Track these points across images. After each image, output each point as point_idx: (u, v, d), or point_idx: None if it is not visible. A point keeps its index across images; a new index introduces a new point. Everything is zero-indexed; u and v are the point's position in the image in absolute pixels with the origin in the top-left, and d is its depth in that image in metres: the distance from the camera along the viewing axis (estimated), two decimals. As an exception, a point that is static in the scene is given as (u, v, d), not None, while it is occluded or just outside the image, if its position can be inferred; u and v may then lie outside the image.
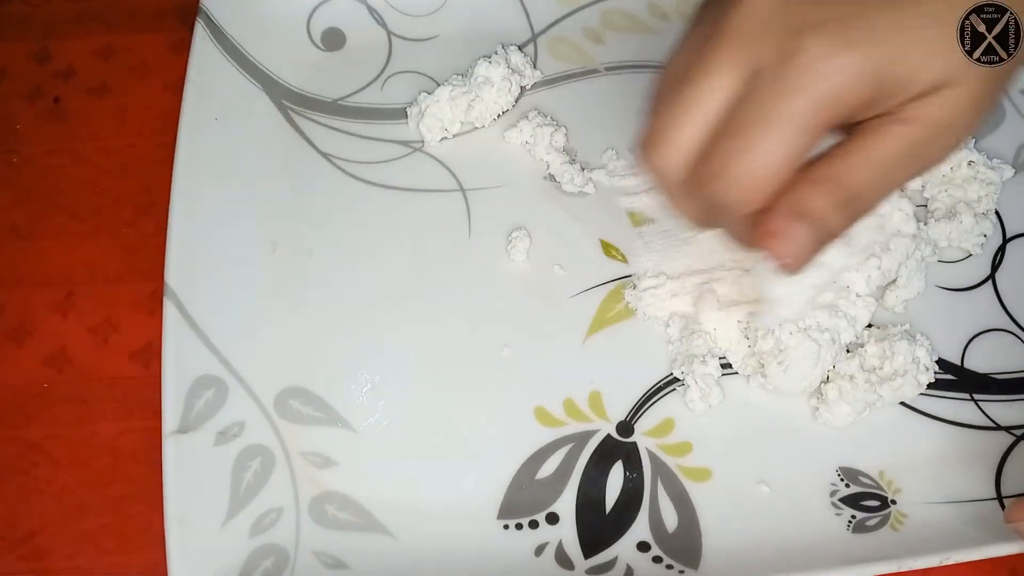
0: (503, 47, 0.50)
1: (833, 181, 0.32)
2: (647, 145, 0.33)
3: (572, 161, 0.48)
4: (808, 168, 0.32)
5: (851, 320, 0.43)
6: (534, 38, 0.52)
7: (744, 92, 0.31)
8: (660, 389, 0.43)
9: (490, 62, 0.49)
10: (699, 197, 0.33)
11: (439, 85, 0.49)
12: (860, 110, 0.31)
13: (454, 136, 0.49)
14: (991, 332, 0.45)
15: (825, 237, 0.32)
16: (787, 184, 0.31)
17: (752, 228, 0.32)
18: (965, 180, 0.48)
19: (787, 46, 0.30)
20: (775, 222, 0.32)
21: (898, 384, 0.42)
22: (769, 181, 0.31)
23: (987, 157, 0.48)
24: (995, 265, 0.47)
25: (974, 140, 0.49)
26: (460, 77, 0.50)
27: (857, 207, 0.32)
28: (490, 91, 0.49)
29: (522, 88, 0.50)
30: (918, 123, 0.31)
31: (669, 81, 0.33)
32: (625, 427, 0.43)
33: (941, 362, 0.44)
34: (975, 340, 0.45)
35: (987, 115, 0.33)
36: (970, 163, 0.48)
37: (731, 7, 0.32)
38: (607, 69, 0.51)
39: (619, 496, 0.41)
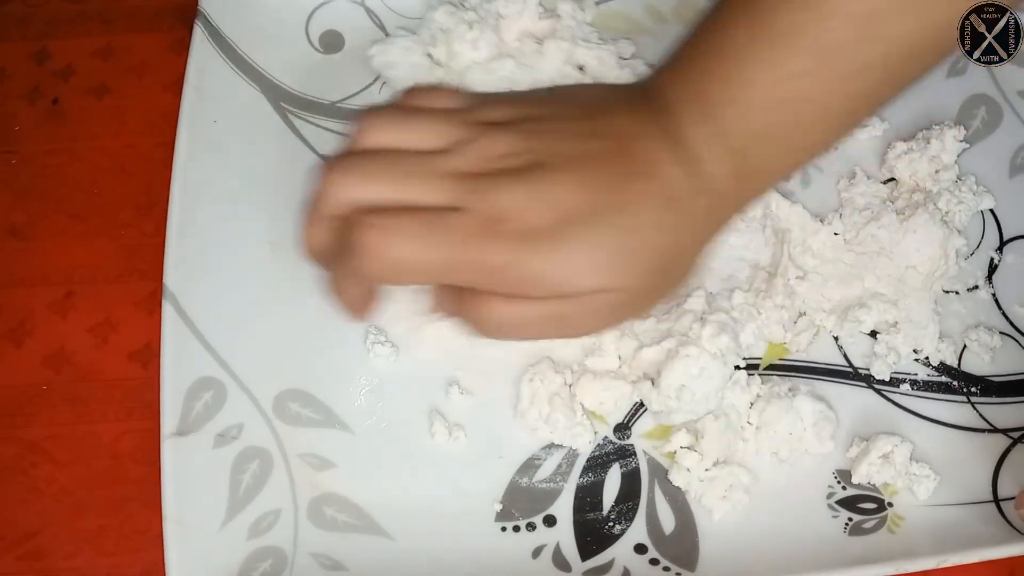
0: None
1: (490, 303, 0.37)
2: None
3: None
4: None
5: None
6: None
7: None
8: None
9: None
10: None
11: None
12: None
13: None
14: (988, 334, 0.45)
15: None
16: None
17: None
18: (943, 187, 0.47)
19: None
20: None
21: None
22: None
23: (976, 183, 0.47)
24: (992, 267, 0.47)
25: (968, 145, 0.48)
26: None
27: (498, 331, 0.39)
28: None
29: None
30: (576, 302, 0.36)
31: None
32: (622, 429, 0.43)
33: (938, 364, 0.44)
34: (972, 342, 0.45)
35: (641, 311, 0.41)
36: (959, 178, 0.47)
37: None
38: (606, 70, 0.51)
39: (616, 498, 0.41)
